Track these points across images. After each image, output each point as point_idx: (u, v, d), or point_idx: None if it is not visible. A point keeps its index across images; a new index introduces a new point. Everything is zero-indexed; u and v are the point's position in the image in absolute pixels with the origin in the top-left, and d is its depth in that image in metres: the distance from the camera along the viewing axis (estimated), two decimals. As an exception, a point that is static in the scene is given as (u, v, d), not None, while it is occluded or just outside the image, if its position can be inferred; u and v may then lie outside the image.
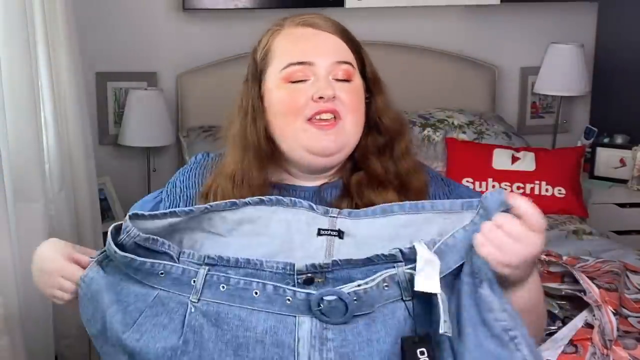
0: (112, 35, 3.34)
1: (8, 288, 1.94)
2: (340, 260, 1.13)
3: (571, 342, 1.82)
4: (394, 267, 1.13)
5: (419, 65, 3.58)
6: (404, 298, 1.13)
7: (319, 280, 1.12)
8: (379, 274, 1.13)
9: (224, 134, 1.37)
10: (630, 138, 3.60)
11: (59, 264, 1.24)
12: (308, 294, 1.10)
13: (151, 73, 3.40)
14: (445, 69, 3.62)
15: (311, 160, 1.30)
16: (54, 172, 2.43)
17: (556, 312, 1.99)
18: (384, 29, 3.55)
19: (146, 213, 1.18)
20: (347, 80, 1.29)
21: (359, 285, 1.11)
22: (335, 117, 1.27)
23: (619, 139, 3.61)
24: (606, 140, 3.63)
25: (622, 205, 3.39)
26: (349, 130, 1.29)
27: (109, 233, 1.18)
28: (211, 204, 1.20)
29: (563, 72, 3.53)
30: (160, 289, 1.14)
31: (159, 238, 1.16)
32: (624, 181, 3.45)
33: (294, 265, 1.12)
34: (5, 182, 1.94)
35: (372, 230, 1.19)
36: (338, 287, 1.11)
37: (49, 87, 2.41)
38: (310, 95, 1.26)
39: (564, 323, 1.93)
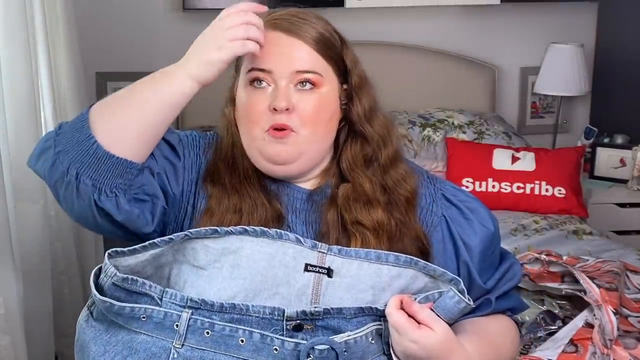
0: (112, 35, 3.34)
1: (8, 288, 1.94)
2: (332, 308, 1.12)
3: (571, 342, 1.82)
4: (381, 320, 1.14)
5: (419, 65, 3.58)
6: (385, 352, 1.15)
7: (308, 327, 1.11)
8: (367, 326, 1.13)
9: (221, 120, 1.36)
10: (630, 138, 3.60)
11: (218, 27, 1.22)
12: (297, 343, 1.09)
13: (151, 73, 3.39)
14: (445, 69, 3.62)
15: (268, 168, 1.27)
16: (54, 172, 2.43)
17: (556, 312, 1.99)
18: (384, 29, 3.55)
19: (125, 249, 1.16)
20: (311, 88, 1.26)
21: (349, 336, 1.11)
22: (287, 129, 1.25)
23: (619, 139, 3.61)
24: (606, 140, 3.63)
25: (622, 205, 3.39)
26: (304, 142, 1.25)
27: (91, 275, 1.16)
28: (191, 230, 1.17)
29: (563, 72, 3.53)
30: (143, 334, 1.12)
31: (138, 278, 1.13)
32: (624, 181, 3.45)
33: (283, 311, 1.11)
34: (5, 182, 1.94)
35: (363, 275, 1.16)
36: (330, 337, 1.10)
37: (49, 87, 2.41)
38: (267, 104, 1.24)
39: (564, 323, 1.93)
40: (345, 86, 1.31)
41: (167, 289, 1.14)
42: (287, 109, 1.23)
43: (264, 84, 1.26)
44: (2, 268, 1.92)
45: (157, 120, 1.21)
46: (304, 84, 1.25)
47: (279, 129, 1.24)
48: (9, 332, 1.93)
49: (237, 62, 1.32)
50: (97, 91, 3.36)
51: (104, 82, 3.37)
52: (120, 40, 3.35)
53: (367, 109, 1.32)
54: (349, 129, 1.33)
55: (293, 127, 1.24)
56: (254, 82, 1.26)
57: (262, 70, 1.25)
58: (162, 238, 1.17)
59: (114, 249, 1.16)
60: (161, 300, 1.13)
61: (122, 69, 3.37)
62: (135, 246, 1.17)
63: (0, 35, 2.05)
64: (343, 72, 1.31)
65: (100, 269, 1.16)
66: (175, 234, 1.17)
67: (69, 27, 2.57)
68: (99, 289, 1.15)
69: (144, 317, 1.12)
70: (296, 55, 1.26)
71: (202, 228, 1.18)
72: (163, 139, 1.26)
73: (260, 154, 1.26)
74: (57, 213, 2.43)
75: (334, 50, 1.30)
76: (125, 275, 1.13)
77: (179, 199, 1.28)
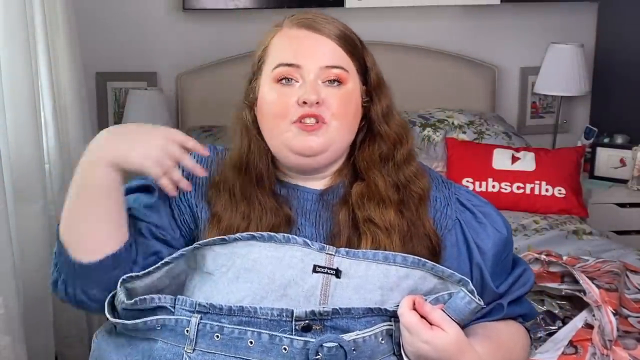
0: (112, 35, 3.34)
1: (8, 288, 1.93)
2: (341, 308, 1.13)
3: (571, 343, 1.82)
4: (391, 320, 1.15)
5: (419, 65, 3.58)
6: (395, 352, 1.15)
7: (317, 327, 1.12)
8: (377, 326, 1.14)
9: (232, 125, 1.37)
10: (630, 138, 3.60)
11: (164, 131, 1.22)
12: (306, 342, 1.10)
13: (151, 73, 3.40)
14: (445, 69, 3.62)
15: (295, 160, 1.28)
16: (54, 172, 2.43)
17: (556, 312, 1.98)
18: (384, 29, 3.55)
19: (139, 273, 1.19)
20: (338, 85, 1.28)
21: (357, 335, 1.11)
22: (318, 121, 1.26)
23: (619, 139, 3.61)
24: (606, 140, 3.63)
25: (622, 205, 3.39)
26: (333, 134, 1.27)
27: (107, 300, 1.20)
28: (199, 242, 1.20)
29: (563, 72, 3.53)
30: (160, 341, 1.14)
31: (146, 297, 1.16)
32: (624, 181, 3.45)
33: (292, 311, 1.11)
34: (5, 182, 1.94)
35: (371, 276, 1.17)
36: (339, 335, 1.11)
37: (49, 87, 2.41)
38: (296, 98, 1.26)
39: (564, 323, 1.93)
40: (364, 86, 1.33)
41: (178, 296, 1.16)
42: (317, 103, 1.25)
43: (292, 81, 1.27)
44: (2, 268, 1.92)
45: (107, 209, 1.22)
46: (332, 81, 1.27)
47: (310, 119, 1.25)
48: (9, 332, 1.93)
49: (256, 65, 1.34)
50: (97, 91, 3.37)
51: (104, 82, 3.37)
52: (120, 40, 3.35)
53: (384, 109, 1.35)
54: (367, 129, 1.34)
55: (325, 118, 1.26)
56: (282, 79, 1.28)
57: (290, 65, 1.27)
58: (173, 255, 1.20)
59: (128, 275, 1.19)
60: (174, 307, 1.15)
61: (122, 69, 3.37)
62: (149, 269, 1.19)
63: (0, 35, 2.05)
64: (363, 71, 1.33)
65: (113, 296, 1.20)
66: (185, 249, 1.20)
67: (69, 27, 2.57)
68: (116, 309, 1.19)
69: (158, 327, 1.14)
70: (323, 50, 1.28)
71: (210, 239, 1.20)
72: (133, 189, 1.29)
73: (289, 148, 1.27)
74: (57, 213, 2.43)
75: (355, 48, 1.32)
76: (133, 300, 1.15)
77: (175, 225, 1.30)
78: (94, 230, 1.21)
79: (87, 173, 1.22)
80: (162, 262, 1.20)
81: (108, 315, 1.18)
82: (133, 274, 1.19)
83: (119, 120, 3.33)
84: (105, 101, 3.39)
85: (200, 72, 3.40)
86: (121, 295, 1.17)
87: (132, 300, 1.15)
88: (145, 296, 1.16)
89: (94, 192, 1.21)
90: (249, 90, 1.34)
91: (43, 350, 2.28)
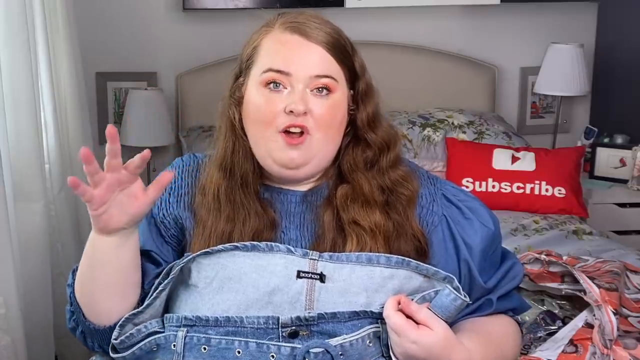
0: (112, 35, 3.34)
1: (8, 288, 1.94)
2: (326, 313, 1.13)
3: (571, 342, 1.82)
4: (378, 322, 1.15)
5: (419, 65, 3.58)
6: (384, 354, 1.15)
7: (304, 333, 1.12)
8: (364, 329, 1.14)
9: (218, 121, 1.36)
10: (630, 138, 3.60)
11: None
12: (293, 348, 1.10)
13: (151, 73, 3.40)
14: (445, 68, 3.62)
15: (277, 171, 1.28)
16: (54, 172, 2.43)
17: (556, 312, 1.99)
18: (384, 29, 3.55)
19: (140, 308, 1.20)
20: (326, 94, 1.27)
21: (344, 339, 1.11)
22: (303, 132, 1.25)
23: (619, 139, 3.61)
24: (606, 140, 3.63)
25: (622, 205, 3.39)
26: (317, 146, 1.26)
27: (109, 347, 1.21)
28: (183, 260, 1.20)
29: (563, 72, 3.53)
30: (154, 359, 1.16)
31: (133, 332, 1.17)
32: (624, 181, 3.45)
33: (278, 318, 1.12)
34: (5, 182, 1.94)
35: (355, 278, 1.17)
36: (325, 340, 1.11)
37: (49, 87, 2.41)
38: (284, 106, 1.24)
39: (564, 323, 1.93)
40: (351, 92, 1.32)
41: (166, 315, 1.18)
42: (304, 113, 1.24)
43: (280, 86, 1.26)
44: (2, 268, 1.92)
45: (116, 278, 1.22)
46: (321, 89, 1.26)
47: (293, 132, 1.24)
48: (9, 332, 1.93)
49: (245, 64, 1.33)
50: (97, 91, 3.37)
51: (104, 82, 3.37)
52: (120, 40, 3.35)
53: (370, 116, 1.33)
54: (353, 134, 1.33)
55: (309, 129, 1.24)
56: (270, 84, 1.26)
57: (280, 72, 1.26)
58: (165, 282, 1.21)
59: (131, 313, 1.19)
60: (164, 327, 1.17)
61: (122, 69, 3.37)
62: (147, 301, 1.20)
63: (0, 35, 2.05)
64: (352, 78, 1.32)
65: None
66: (173, 273, 1.20)
67: (69, 27, 2.57)
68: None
69: (154, 348, 1.15)
70: (314, 59, 1.27)
71: (193, 254, 1.20)
72: None
73: (272, 158, 1.26)
74: (57, 213, 2.43)
75: (346, 55, 1.31)
76: (120, 340, 1.17)
77: (164, 242, 1.31)
78: (105, 300, 1.23)
79: (92, 243, 1.22)
80: (157, 290, 1.21)
81: (112, 354, 1.20)
82: (135, 311, 1.20)
83: (119, 120, 3.33)
84: (105, 101, 3.39)
85: (200, 72, 3.40)
86: (114, 334, 1.18)
87: (118, 340, 1.17)
88: (132, 330, 1.18)
89: (100, 261, 1.21)
90: (235, 87, 1.33)
91: (43, 350, 2.28)
